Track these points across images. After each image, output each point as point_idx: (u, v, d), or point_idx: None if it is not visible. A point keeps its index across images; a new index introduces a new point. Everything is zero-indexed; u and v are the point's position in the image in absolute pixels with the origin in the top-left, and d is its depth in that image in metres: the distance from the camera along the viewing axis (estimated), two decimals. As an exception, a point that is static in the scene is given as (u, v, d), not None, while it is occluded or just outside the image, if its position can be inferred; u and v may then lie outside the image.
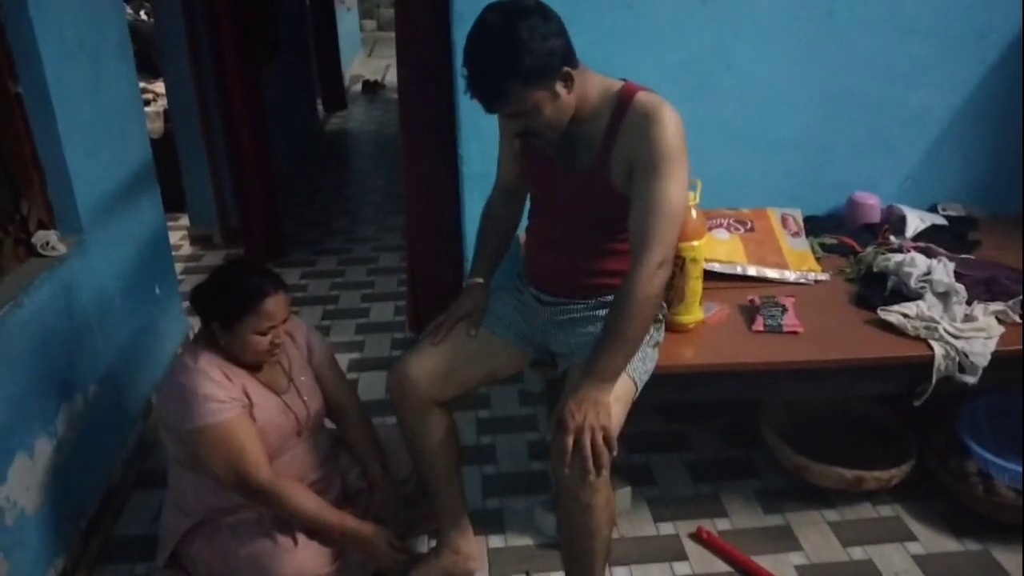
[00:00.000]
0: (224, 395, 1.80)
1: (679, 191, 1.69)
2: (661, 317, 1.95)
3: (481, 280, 2.06)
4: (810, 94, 2.64)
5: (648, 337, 1.84)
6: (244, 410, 1.84)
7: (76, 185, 2.32)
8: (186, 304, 3.33)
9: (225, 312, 1.83)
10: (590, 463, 1.59)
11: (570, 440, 1.59)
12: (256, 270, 1.90)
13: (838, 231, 2.61)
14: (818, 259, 2.46)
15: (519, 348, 2.01)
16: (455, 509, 2.09)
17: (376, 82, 9.81)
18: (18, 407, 1.94)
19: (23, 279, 2.08)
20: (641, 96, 1.71)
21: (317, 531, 1.89)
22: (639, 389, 1.83)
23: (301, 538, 1.86)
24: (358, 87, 9.81)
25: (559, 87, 1.66)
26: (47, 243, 2.22)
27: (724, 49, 2.57)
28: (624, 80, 1.78)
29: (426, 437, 1.99)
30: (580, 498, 1.70)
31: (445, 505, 2.08)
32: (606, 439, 1.61)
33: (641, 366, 1.83)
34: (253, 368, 1.92)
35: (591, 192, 1.78)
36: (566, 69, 1.65)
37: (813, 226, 2.61)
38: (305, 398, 2.02)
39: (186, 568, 1.99)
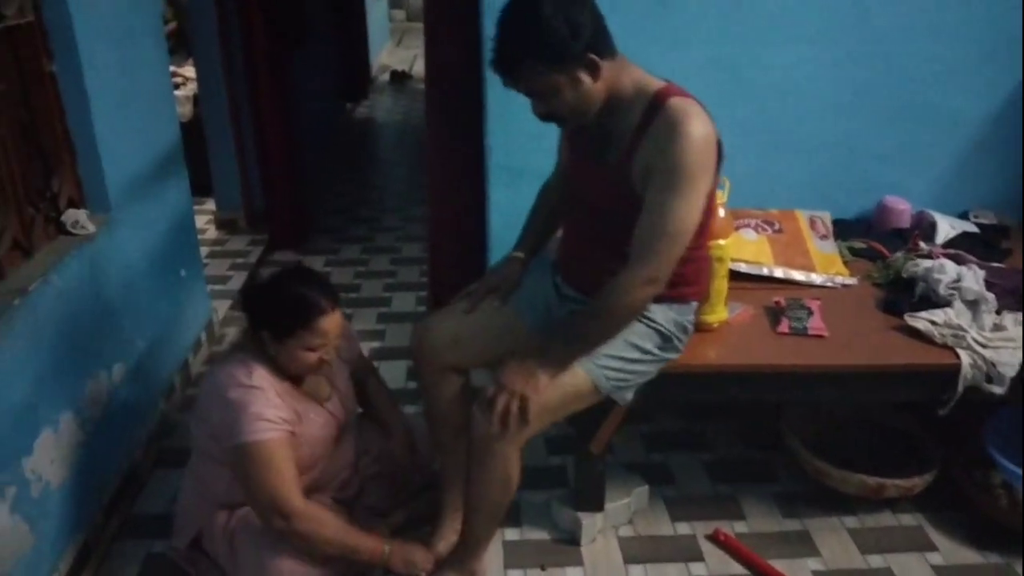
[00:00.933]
0: (274, 415, 1.78)
1: (690, 210, 1.66)
2: (673, 335, 1.87)
3: (521, 255, 2.09)
4: (842, 96, 2.61)
5: (640, 347, 1.83)
6: (289, 433, 1.81)
7: (106, 165, 2.34)
8: (211, 288, 3.37)
9: (278, 324, 1.81)
10: (495, 418, 1.71)
11: (490, 390, 1.73)
12: (315, 283, 1.85)
13: (867, 235, 2.58)
14: (846, 263, 2.43)
15: (537, 334, 2.01)
16: (458, 471, 2.11)
17: (403, 72, 9.81)
18: (45, 383, 1.96)
19: (52, 257, 2.10)
20: (674, 102, 1.67)
21: (349, 557, 1.87)
22: (603, 388, 1.81)
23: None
24: (385, 76, 9.82)
25: (581, 73, 1.64)
26: (76, 222, 2.24)
27: (757, 48, 2.54)
28: (667, 81, 1.74)
29: (439, 396, 2.07)
30: (478, 445, 1.80)
31: (449, 466, 2.14)
32: (522, 408, 1.70)
33: (611, 371, 1.81)
34: (297, 379, 1.91)
35: (614, 189, 1.77)
36: (591, 56, 1.63)
37: (841, 229, 2.59)
38: (344, 400, 2.04)
39: (204, 549, 2.01)
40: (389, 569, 1.92)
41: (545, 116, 1.76)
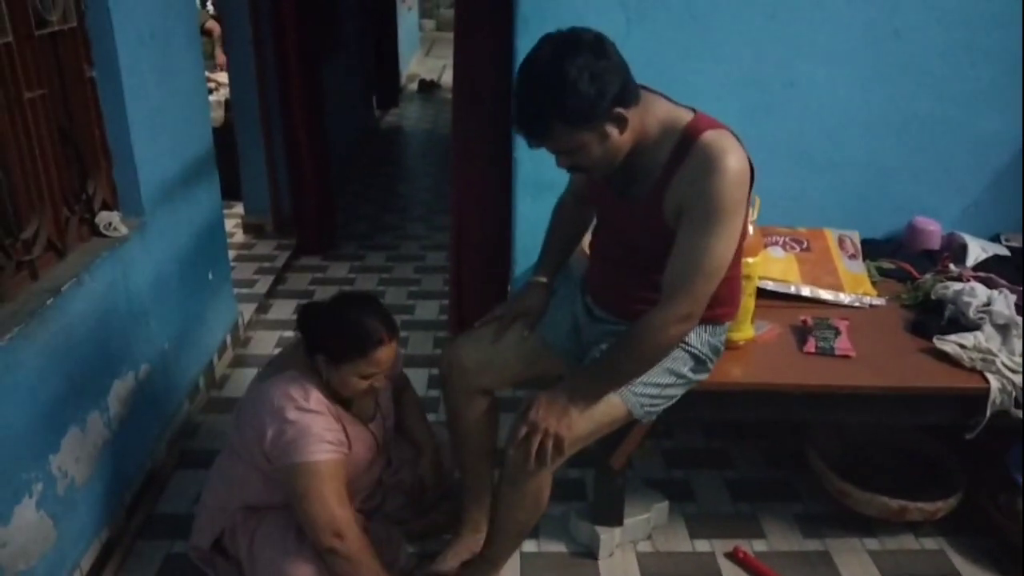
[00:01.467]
0: (333, 437, 1.80)
1: (724, 248, 1.64)
2: (707, 356, 1.87)
3: (544, 280, 2.08)
4: (874, 115, 2.60)
5: (675, 372, 1.83)
6: (344, 455, 1.84)
7: (140, 168, 2.38)
8: (237, 291, 3.40)
9: (335, 349, 1.82)
10: (531, 458, 1.72)
11: (523, 430, 1.72)
12: (376, 312, 1.86)
13: (896, 256, 2.56)
14: (874, 283, 2.42)
15: (568, 358, 2.01)
16: (480, 491, 2.14)
17: (432, 81, 9.90)
18: (73, 381, 1.99)
19: (85, 258, 2.13)
20: (708, 137, 1.62)
21: None
22: (637, 414, 1.82)
23: (314, 551, 1.85)
24: (414, 86, 9.90)
25: (609, 128, 1.60)
26: (110, 224, 2.27)
27: (788, 65, 2.54)
28: (694, 111, 1.70)
29: (466, 417, 2.08)
30: (512, 475, 1.81)
31: (472, 486, 2.15)
32: (556, 444, 1.71)
33: (646, 397, 1.81)
34: (345, 400, 1.92)
35: (644, 223, 1.74)
36: (618, 111, 1.58)
37: (870, 249, 2.57)
38: (385, 419, 2.06)
39: (224, 550, 2.03)
40: None
41: (571, 169, 1.72)
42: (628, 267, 1.84)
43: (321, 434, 1.78)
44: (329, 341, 1.83)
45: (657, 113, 1.69)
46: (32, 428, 1.81)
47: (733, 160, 1.60)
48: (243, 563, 1.95)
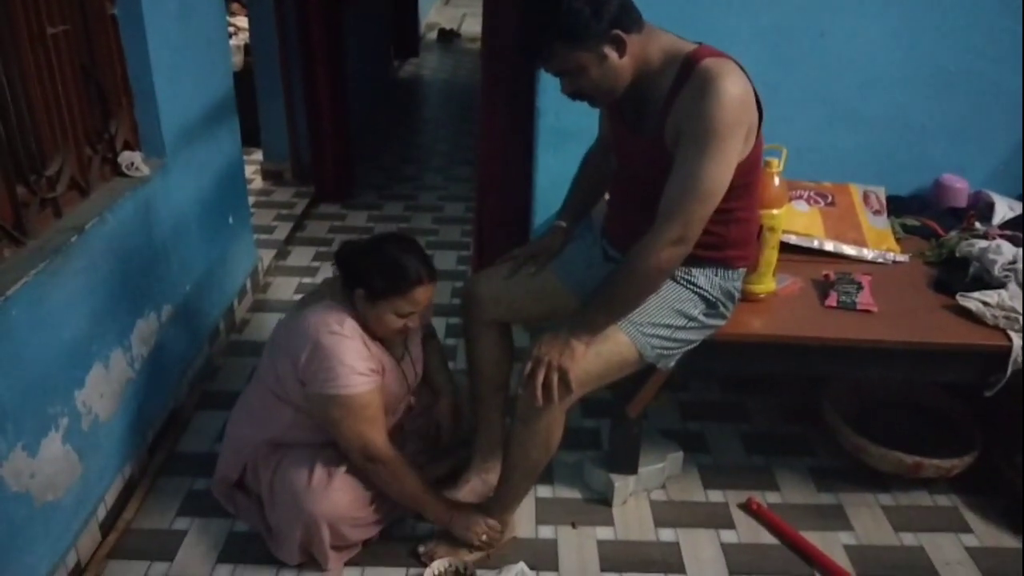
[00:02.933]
0: (365, 367, 1.83)
1: (719, 171, 1.63)
2: (719, 301, 1.86)
3: (564, 224, 2.12)
4: (905, 69, 2.54)
5: (685, 313, 1.82)
6: (378, 383, 1.88)
7: (162, 109, 2.37)
8: (256, 237, 3.41)
9: (375, 286, 1.84)
10: (537, 392, 1.73)
11: (529, 366, 1.75)
12: (417, 253, 1.90)
13: (921, 213, 2.53)
14: (898, 239, 2.39)
15: (578, 297, 2.03)
16: (492, 423, 2.19)
17: (451, 31, 9.77)
18: (98, 319, 2.01)
19: (108, 197, 2.14)
20: (707, 63, 1.63)
21: (413, 508, 1.96)
22: (647, 356, 1.82)
23: (336, 479, 1.91)
24: (433, 35, 9.77)
25: (607, 49, 1.63)
26: (132, 163, 2.28)
27: (819, 15, 2.48)
28: (699, 44, 1.71)
29: (482, 347, 2.14)
30: (523, 413, 1.84)
31: (483, 419, 2.19)
32: (561, 377, 1.72)
33: (657, 339, 1.81)
34: (378, 338, 1.95)
35: (652, 157, 1.75)
36: (615, 32, 1.61)
37: (896, 206, 2.54)
38: (416, 364, 2.10)
39: (245, 487, 2.06)
40: (450, 531, 1.98)
41: (573, 95, 1.74)
42: (639, 203, 1.83)
43: (354, 364, 1.81)
44: (369, 277, 1.85)
45: (661, 43, 1.70)
46: (58, 363, 1.84)
47: (730, 83, 1.60)
48: (263, 497, 1.99)
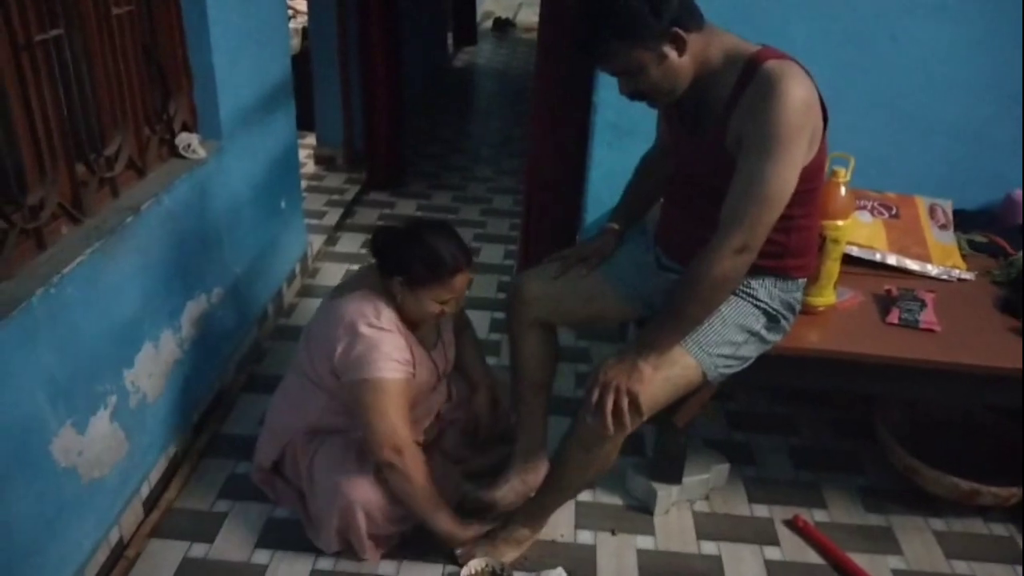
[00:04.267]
0: (400, 356, 1.84)
1: (784, 175, 1.57)
2: (779, 313, 1.81)
3: (616, 226, 2.08)
4: (979, 77, 2.45)
5: (747, 328, 1.78)
6: (410, 375, 1.87)
7: (220, 92, 2.38)
8: (307, 222, 3.42)
9: (414, 273, 1.84)
10: (607, 420, 1.67)
11: (596, 392, 1.68)
12: (455, 239, 1.89)
13: (989, 229, 2.43)
14: (964, 256, 2.31)
15: (627, 302, 2.00)
16: (534, 423, 2.16)
17: (507, 20, 9.72)
18: (150, 299, 2.03)
19: (164, 178, 2.15)
20: (770, 65, 1.58)
21: (425, 514, 1.91)
22: (711, 376, 1.77)
23: (374, 473, 1.89)
24: (488, 24, 9.74)
25: (667, 48, 1.59)
26: (189, 145, 2.29)
27: (891, 19, 2.39)
28: (763, 46, 1.65)
29: (525, 347, 2.10)
30: (586, 440, 1.79)
31: (526, 418, 2.16)
32: (632, 403, 1.66)
33: (721, 358, 1.76)
34: (413, 325, 1.94)
35: (711, 161, 1.70)
36: (675, 30, 1.57)
37: (963, 220, 2.45)
38: (447, 351, 2.09)
39: (283, 473, 2.07)
40: (451, 542, 1.95)
41: (632, 95, 1.70)
42: (696, 208, 1.79)
43: (389, 352, 1.81)
44: (408, 264, 1.84)
45: (723, 44, 1.66)
46: (109, 342, 1.86)
47: (794, 86, 1.55)
48: (302, 483, 1.99)
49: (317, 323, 1.95)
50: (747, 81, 1.60)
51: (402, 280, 1.85)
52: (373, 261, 1.95)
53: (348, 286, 1.96)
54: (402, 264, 1.85)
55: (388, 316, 1.86)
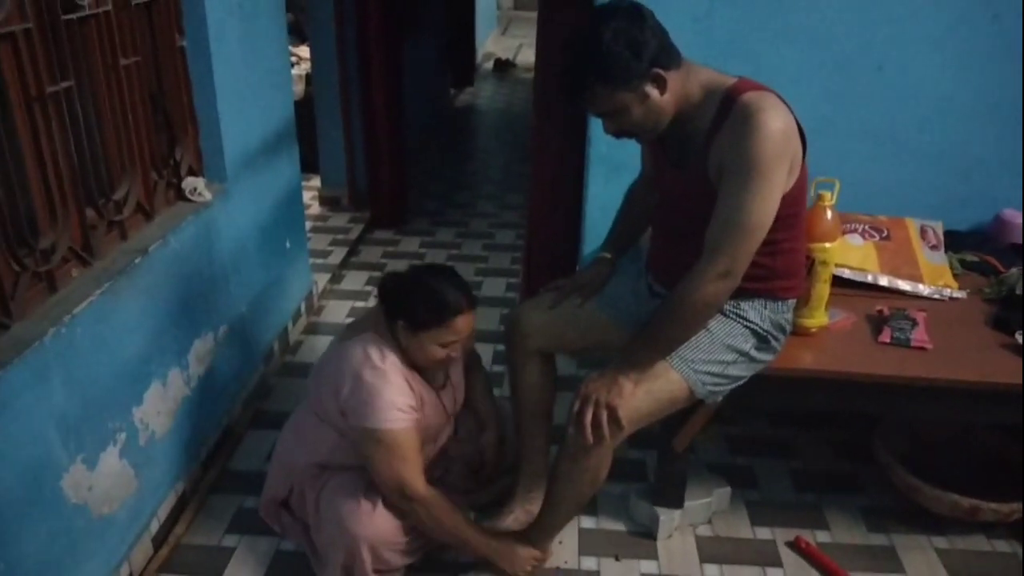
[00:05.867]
0: (404, 403, 1.85)
1: (764, 205, 1.62)
2: (769, 334, 1.85)
3: (608, 256, 2.13)
4: (965, 101, 2.50)
5: (736, 348, 1.81)
6: (416, 421, 1.89)
7: (225, 136, 2.45)
8: (312, 261, 3.48)
9: (416, 317, 1.87)
10: (586, 431, 1.74)
11: (577, 404, 1.77)
12: (456, 282, 1.92)
13: (981, 248, 2.47)
14: (956, 275, 2.34)
15: (625, 328, 2.03)
16: (535, 451, 2.19)
17: (507, 60, 9.87)
18: (158, 338, 2.08)
19: (171, 220, 2.22)
20: (747, 97, 1.64)
21: (455, 544, 1.96)
22: (699, 393, 1.81)
23: (381, 504, 1.91)
24: (489, 65, 9.90)
25: (648, 88, 1.65)
26: (195, 189, 2.36)
27: (877, 49, 2.45)
28: (740, 78, 1.72)
29: (523, 376, 2.15)
30: (572, 450, 1.84)
31: (527, 446, 2.19)
32: (611, 415, 1.73)
33: (709, 376, 1.80)
34: (419, 368, 1.97)
35: (694, 192, 1.75)
36: (656, 71, 1.63)
37: (953, 241, 2.48)
38: (455, 392, 2.11)
39: (291, 508, 2.10)
40: (495, 564, 1.98)
41: (617, 134, 1.76)
42: (682, 238, 1.83)
43: (393, 400, 1.83)
44: (409, 308, 1.87)
45: (700, 79, 1.72)
46: (118, 380, 1.91)
47: (771, 117, 1.60)
48: (309, 519, 2.02)
49: (326, 362, 1.98)
50: (726, 114, 1.65)
51: (404, 324, 1.88)
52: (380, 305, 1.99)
53: (356, 328, 2.00)
54: (405, 308, 1.88)
55: (392, 360, 1.88)
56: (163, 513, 2.14)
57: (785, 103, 1.66)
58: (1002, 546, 2.19)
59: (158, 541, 2.10)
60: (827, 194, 1.95)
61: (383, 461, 1.84)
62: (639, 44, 1.61)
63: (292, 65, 4.66)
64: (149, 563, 2.05)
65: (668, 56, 1.66)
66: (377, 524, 1.90)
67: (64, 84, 1.78)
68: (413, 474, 1.85)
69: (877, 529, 2.24)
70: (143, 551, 2.03)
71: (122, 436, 1.92)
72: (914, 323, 2.05)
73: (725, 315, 1.82)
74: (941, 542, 2.20)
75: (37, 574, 1.62)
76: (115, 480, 1.89)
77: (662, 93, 1.67)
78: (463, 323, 1.88)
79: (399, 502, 1.86)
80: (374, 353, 1.87)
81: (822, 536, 2.21)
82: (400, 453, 1.84)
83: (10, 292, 1.63)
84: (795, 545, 2.16)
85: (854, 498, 2.36)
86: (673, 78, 1.67)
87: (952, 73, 2.47)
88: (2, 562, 1.51)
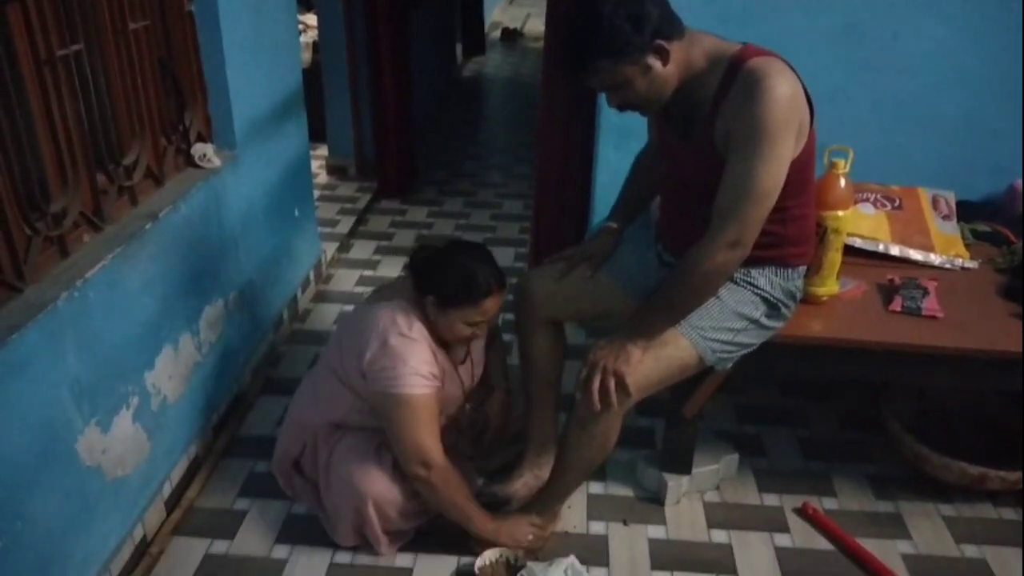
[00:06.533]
0: (427, 371, 1.86)
1: (772, 171, 1.61)
2: (780, 301, 1.85)
3: (615, 225, 2.12)
4: (980, 70, 2.47)
5: (746, 316, 1.81)
6: (438, 389, 1.90)
7: (234, 103, 2.44)
8: (320, 230, 3.48)
9: (447, 294, 1.87)
10: (594, 397, 1.75)
11: (585, 372, 1.77)
12: (489, 262, 1.92)
13: (993, 219, 2.46)
14: (967, 245, 2.33)
15: (633, 298, 2.03)
16: (544, 417, 2.20)
17: (515, 30, 9.79)
18: (169, 303, 2.09)
19: (181, 186, 2.22)
20: (753, 63, 1.62)
21: (457, 518, 1.96)
22: (709, 360, 1.82)
23: (390, 463, 1.94)
24: (497, 34, 9.82)
25: (651, 60, 1.63)
26: (204, 155, 2.35)
27: (892, 16, 2.42)
28: (745, 44, 1.69)
29: (533, 344, 2.16)
30: (581, 416, 1.85)
31: (536, 412, 2.20)
32: (618, 381, 1.73)
33: (719, 343, 1.80)
34: (443, 342, 1.97)
35: (702, 161, 1.74)
36: (658, 42, 1.61)
37: (966, 211, 2.47)
38: (475, 367, 2.12)
39: (302, 470, 2.12)
40: (495, 543, 1.98)
41: (621, 107, 1.74)
42: (691, 208, 1.83)
43: (417, 366, 1.84)
44: (441, 285, 1.88)
45: (704, 47, 1.70)
46: (130, 345, 1.92)
47: (778, 83, 1.58)
48: (319, 477, 2.04)
49: (350, 323, 1.99)
50: (731, 81, 1.64)
51: (434, 300, 1.89)
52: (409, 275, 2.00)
53: (386, 292, 2.01)
54: (436, 284, 1.89)
55: (419, 328, 1.89)
56: (176, 476, 2.16)
57: (792, 68, 1.65)
58: (1008, 514, 2.20)
59: (171, 504, 2.13)
60: (841, 162, 1.94)
61: (404, 427, 1.84)
62: (640, 16, 1.59)
63: (300, 33, 4.64)
64: (163, 525, 2.07)
65: (670, 26, 1.64)
66: (386, 484, 1.92)
67: (74, 47, 1.77)
68: (432, 441, 1.86)
69: (884, 496, 2.25)
70: (156, 513, 2.06)
71: (135, 400, 1.93)
72: (925, 292, 2.05)
73: (735, 282, 1.82)
74: (948, 510, 2.21)
75: (52, 534, 1.64)
76: (128, 443, 1.91)
77: (665, 64, 1.65)
78: (492, 304, 1.89)
79: (416, 469, 1.86)
80: (402, 320, 1.87)
81: (829, 503, 2.23)
82: (422, 419, 1.85)
83: (23, 256, 1.63)
84: (802, 511, 2.18)
85: (861, 466, 2.37)
86: (676, 48, 1.65)
87: (967, 43, 2.44)
88: (20, 521, 1.53)
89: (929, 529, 2.14)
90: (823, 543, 2.09)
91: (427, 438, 1.85)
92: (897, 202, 2.38)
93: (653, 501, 2.21)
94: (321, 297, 3.32)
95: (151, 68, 2.11)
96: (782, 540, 2.10)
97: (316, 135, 4.28)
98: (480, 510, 1.98)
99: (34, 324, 1.55)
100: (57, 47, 1.71)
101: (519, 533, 1.99)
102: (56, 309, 1.62)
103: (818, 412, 2.62)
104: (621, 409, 1.81)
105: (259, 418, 2.53)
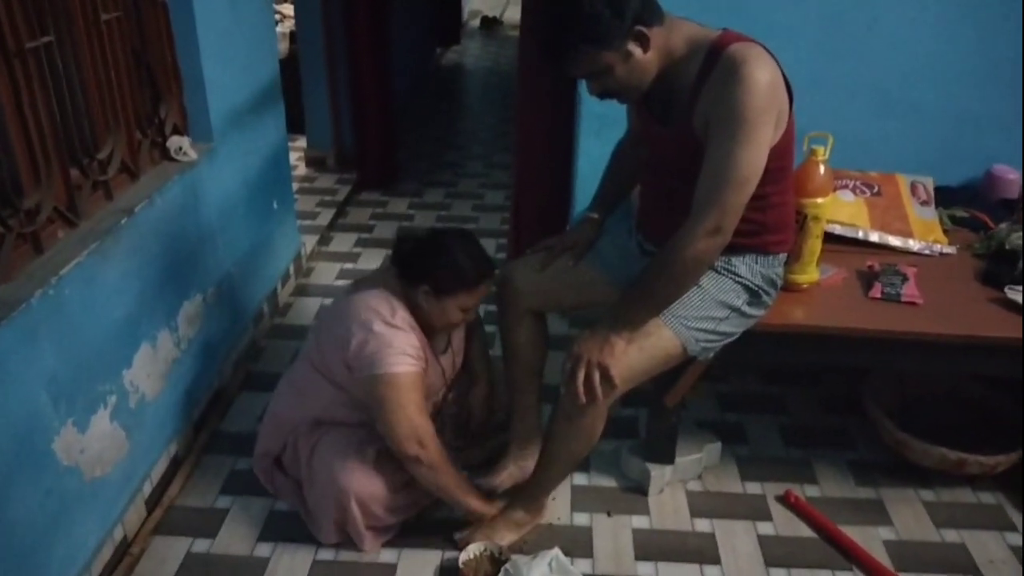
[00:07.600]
0: (414, 352, 1.86)
1: (752, 157, 1.61)
2: (761, 289, 1.85)
3: (596, 216, 2.12)
4: (958, 58, 2.48)
5: (728, 304, 1.81)
6: (423, 369, 1.90)
7: (210, 95, 2.41)
8: (300, 223, 3.45)
9: (443, 282, 1.87)
10: (579, 390, 1.74)
11: (569, 364, 1.76)
12: (478, 248, 1.93)
13: (971, 204, 2.47)
14: (946, 231, 2.34)
15: (615, 287, 2.02)
16: (527, 408, 2.21)
17: (494, 18, 9.76)
18: (145, 300, 2.06)
19: (157, 180, 2.19)
20: (732, 49, 1.61)
21: (451, 500, 1.97)
22: (692, 350, 1.82)
23: (372, 460, 1.93)
24: (476, 22, 9.78)
25: (631, 46, 1.62)
26: (180, 148, 2.32)
27: (870, 3, 2.43)
28: (724, 30, 1.69)
29: (515, 334, 2.16)
30: (567, 409, 1.85)
31: (519, 403, 2.21)
32: (603, 374, 1.72)
33: (702, 332, 1.80)
34: (426, 330, 1.97)
35: (682, 148, 1.73)
36: (638, 28, 1.61)
37: (944, 197, 2.48)
38: (456, 356, 2.12)
39: (283, 467, 2.10)
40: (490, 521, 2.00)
41: (602, 94, 1.74)
42: (671, 196, 1.82)
43: (402, 348, 1.84)
44: (435, 273, 1.88)
45: (684, 33, 1.69)
46: (107, 342, 1.89)
47: (757, 68, 1.58)
48: (301, 476, 2.03)
49: (330, 315, 1.98)
50: (711, 67, 1.63)
51: (427, 289, 1.89)
52: (390, 264, 1.99)
53: (365, 283, 1.99)
54: (428, 273, 1.89)
55: (402, 315, 1.88)
56: (156, 475, 2.14)
57: (771, 54, 1.64)
58: (987, 498, 2.23)
59: (151, 503, 2.10)
60: (820, 149, 1.94)
61: (397, 406, 1.82)
62: (620, 2, 1.58)
63: (276, 23, 4.58)
64: (143, 525, 2.05)
65: (650, 12, 1.63)
66: (368, 479, 1.92)
67: (44, 39, 1.74)
68: (424, 420, 1.86)
69: (865, 483, 2.27)
70: (137, 513, 2.03)
71: (112, 398, 1.91)
72: (904, 278, 2.06)
73: (716, 271, 1.82)
74: (928, 495, 2.23)
75: (30, 536, 1.62)
76: (106, 442, 1.89)
77: (645, 51, 1.64)
78: (486, 288, 1.92)
79: (411, 448, 1.84)
80: (385, 309, 1.87)
81: (811, 490, 2.24)
82: (413, 397, 1.84)
83: (-5, 253, 1.60)
84: (784, 499, 2.19)
85: (843, 453, 2.39)
86: (656, 35, 1.64)
87: (944, 29, 2.45)
88: (-4, 523, 1.51)
89: (910, 515, 2.16)
90: (805, 531, 2.10)
91: (419, 415, 1.85)
92: (876, 188, 2.39)
93: (637, 491, 2.22)
94: (301, 290, 3.30)
95: (125, 60, 2.08)
96: (765, 528, 2.11)
97: (294, 126, 4.23)
98: (471, 491, 1.99)
99: (8, 323, 1.53)
100: (27, 39, 1.67)
101: (508, 519, 2.01)
102: (31, 307, 1.59)
103: (799, 399, 2.64)
104: (607, 401, 1.81)
105: (240, 414, 2.51)
